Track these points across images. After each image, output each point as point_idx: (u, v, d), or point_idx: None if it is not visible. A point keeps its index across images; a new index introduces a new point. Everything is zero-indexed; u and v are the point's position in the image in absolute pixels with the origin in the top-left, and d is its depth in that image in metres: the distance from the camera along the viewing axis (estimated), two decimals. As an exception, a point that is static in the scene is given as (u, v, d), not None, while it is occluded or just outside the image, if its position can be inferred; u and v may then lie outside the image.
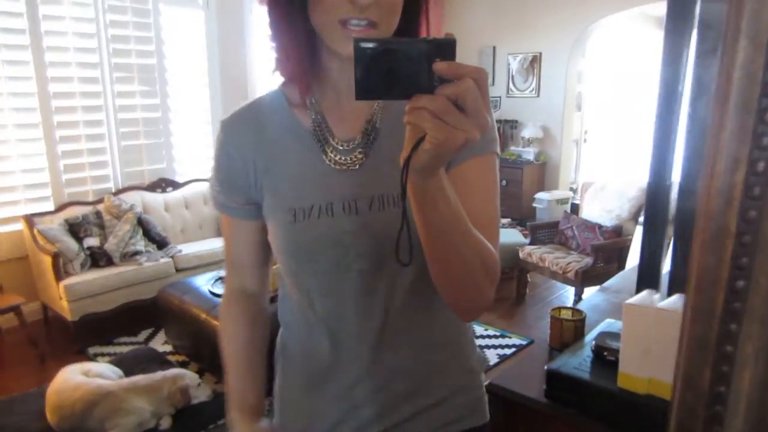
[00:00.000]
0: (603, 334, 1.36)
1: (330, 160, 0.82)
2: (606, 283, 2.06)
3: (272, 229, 0.86)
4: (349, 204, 0.80)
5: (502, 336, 3.67)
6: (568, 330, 1.51)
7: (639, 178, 3.91)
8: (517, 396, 1.33)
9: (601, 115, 7.16)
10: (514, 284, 4.36)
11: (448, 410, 0.92)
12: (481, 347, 3.52)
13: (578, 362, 1.30)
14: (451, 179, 0.68)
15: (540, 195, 5.69)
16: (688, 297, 0.37)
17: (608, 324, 1.45)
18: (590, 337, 1.39)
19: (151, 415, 2.52)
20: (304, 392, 0.94)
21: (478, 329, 3.77)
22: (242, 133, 0.88)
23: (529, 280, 4.37)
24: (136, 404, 2.47)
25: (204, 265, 4.02)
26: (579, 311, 1.56)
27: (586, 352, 1.35)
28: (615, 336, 1.34)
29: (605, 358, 1.29)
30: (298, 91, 0.84)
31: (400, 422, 0.89)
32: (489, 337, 3.68)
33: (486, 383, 1.28)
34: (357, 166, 0.81)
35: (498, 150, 0.82)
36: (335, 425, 0.90)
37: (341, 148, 0.82)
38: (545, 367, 1.29)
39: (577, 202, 5.17)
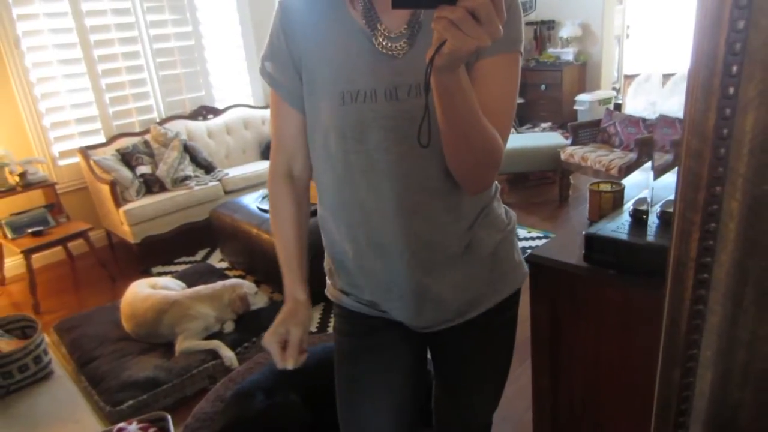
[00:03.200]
0: (642, 200, 1.39)
1: (379, 45, 0.88)
2: (647, 164, 2.05)
3: (320, 110, 0.92)
4: (390, 91, 0.88)
5: (546, 237, 3.71)
6: (607, 201, 1.53)
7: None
8: (558, 263, 1.38)
9: (644, 7, 6.71)
10: (556, 187, 4.35)
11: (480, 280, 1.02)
12: (524, 249, 3.58)
13: (616, 226, 1.34)
14: (476, 71, 0.84)
15: (581, 97, 5.51)
16: (694, 42, 0.40)
17: (648, 193, 1.46)
18: (628, 206, 1.41)
19: (215, 320, 2.72)
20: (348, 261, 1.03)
21: (522, 232, 3.82)
22: (297, 14, 0.93)
23: (572, 182, 4.33)
24: (200, 310, 2.67)
25: (250, 186, 4.15)
26: (618, 183, 1.57)
27: (624, 218, 1.38)
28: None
29: (643, 219, 1.32)
30: None
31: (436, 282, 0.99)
32: (533, 238, 3.73)
33: (526, 255, 1.34)
34: (401, 55, 0.88)
35: (521, 49, 0.90)
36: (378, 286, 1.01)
37: (388, 35, 0.88)
38: (583, 233, 1.33)
39: (620, 101, 5.00)
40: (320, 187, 1.01)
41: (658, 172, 3.43)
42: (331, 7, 0.91)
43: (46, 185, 3.72)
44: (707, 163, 0.42)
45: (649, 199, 1.39)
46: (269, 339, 0.99)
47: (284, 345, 0.98)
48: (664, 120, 3.91)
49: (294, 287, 1.05)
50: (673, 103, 4.04)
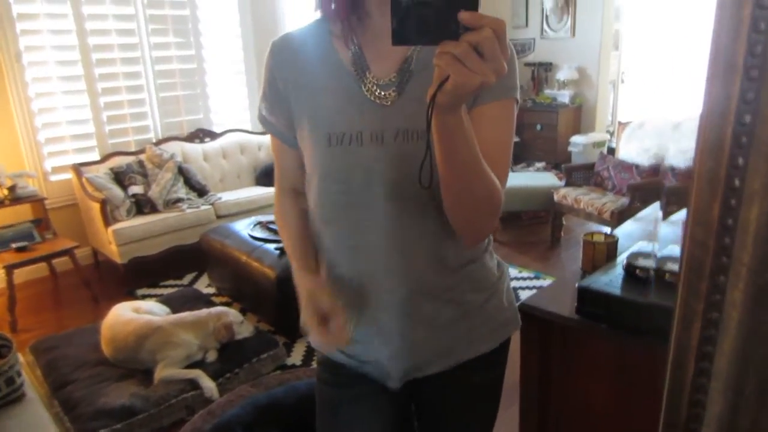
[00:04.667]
0: (635, 254, 1.38)
1: (368, 91, 0.88)
2: (640, 214, 2.06)
3: (308, 151, 0.93)
4: (376, 135, 0.87)
5: (536, 278, 3.70)
6: (600, 253, 1.53)
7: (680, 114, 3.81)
8: (550, 315, 1.37)
9: (639, 54, 6.85)
10: (548, 228, 4.36)
11: (469, 327, 0.99)
12: (516, 288, 3.56)
13: (609, 279, 1.33)
14: (472, 117, 0.82)
15: (576, 138, 5.58)
16: (700, 133, 0.39)
17: (640, 245, 1.46)
18: (622, 258, 1.41)
19: (198, 348, 2.66)
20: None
21: (513, 271, 3.81)
22: (287, 56, 0.94)
23: (564, 223, 4.35)
24: (183, 338, 2.62)
25: (243, 211, 4.13)
26: (611, 236, 1.57)
27: (618, 271, 1.37)
28: (647, 255, 1.36)
29: (636, 275, 1.32)
30: (339, 25, 0.90)
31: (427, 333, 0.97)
32: (523, 278, 3.71)
33: (518, 304, 1.33)
34: (389, 102, 0.88)
35: (518, 97, 0.90)
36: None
37: (377, 82, 0.88)
38: (576, 285, 1.32)
39: (613, 145, 5.07)
40: (311, 223, 1.01)
41: (616, 216, 3.46)
42: (321, 50, 0.92)
43: (36, 200, 3.69)
44: (711, 253, 0.41)
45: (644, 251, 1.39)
46: (308, 320, 0.94)
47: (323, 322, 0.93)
48: (622, 165, 3.97)
49: (309, 265, 1.01)
50: (631, 149, 4.12)
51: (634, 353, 1.26)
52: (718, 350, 0.44)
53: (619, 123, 4.52)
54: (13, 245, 3.35)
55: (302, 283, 0.98)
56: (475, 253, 0.98)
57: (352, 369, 1.02)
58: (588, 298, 1.30)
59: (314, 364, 2.82)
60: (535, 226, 4.62)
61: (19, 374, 1.86)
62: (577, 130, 5.87)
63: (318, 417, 1.08)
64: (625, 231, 1.83)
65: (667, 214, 1.99)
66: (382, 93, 0.88)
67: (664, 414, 0.47)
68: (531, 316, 1.39)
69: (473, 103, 0.85)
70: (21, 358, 2.31)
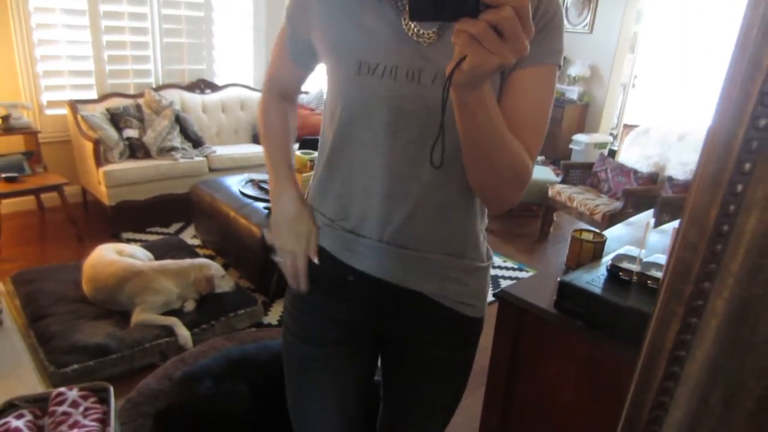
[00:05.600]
0: (621, 256, 1.38)
1: (406, 26, 0.83)
2: (631, 219, 2.06)
3: (334, 79, 0.89)
4: (413, 73, 0.82)
5: (520, 269, 3.72)
6: (587, 251, 1.53)
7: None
8: (529, 305, 1.37)
9: (655, 59, 6.78)
10: (539, 222, 4.37)
11: (453, 287, 0.96)
12: (497, 277, 3.58)
13: (592, 278, 1.33)
14: (512, 81, 0.79)
15: (578, 137, 5.56)
16: (709, 132, 0.38)
17: (627, 249, 1.46)
18: (607, 259, 1.41)
19: (177, 297, 2.67)
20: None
21: (497, 260, 3.82)
22: None
23: (555, 219, 4.36)
24: (164, 285, 2.62)
25: (237, 167, 4.10)
26: (600, 234, 1.57)
27: (601, 271, 1.37)
28: (632, 259, 1.36)
29: (620, 277, 1.32)
30: None
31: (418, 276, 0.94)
32: (507, 268, 3.73)
33: (498, 290, 1.33)
34: (428, 42, 0.82)
35: (561, 63, 0.85)
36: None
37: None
38: (558, 279, 1.33)
39: (615, 148, 5.05)
40: (321, 145, 0.99)
41: (607, 219, 3.47)
42: None
43: (29, 132, 3.63)
44: (701, 258, 0.40)
45: (629, 256, 1.39)
46: (286, 242, 0.97)
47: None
48: (621, 168, 3.97)
49: (288, 183, 1.02)
50: (632, 154, 4.12)
51: (605, 354, 1.27)
52: (691, 356, 0.44)
53: (625, 125, 4.50)
54: (3, 175, 3.31)
55: (285, 202, 0.99)
56: (481, 226, 0.97)
57: (321, 326, 1.01)
58: (568, 293, 1.31)
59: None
60: (526, 219, 4.63)
61: (-3, 302, 1.85)
62: (581, 129, 5.85)
63: (286, 369, 1.09)
64: (614, 234, 1.83)
65: (658, 224, 1.99)
66: (422, 31, 0.82)
67: (626, 412, 0.47)
68: (509, 303, 1.40)
69: (513, 68, 0.80)
70: (1, 286, 2.30)
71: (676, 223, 1.73)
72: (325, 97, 0.98)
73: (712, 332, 0.43)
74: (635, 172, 3.90)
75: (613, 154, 4.87)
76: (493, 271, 3.63)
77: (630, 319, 1.18)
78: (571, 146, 5.61)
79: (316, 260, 0.97)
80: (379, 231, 0.91)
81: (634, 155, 4.09)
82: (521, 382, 1.48)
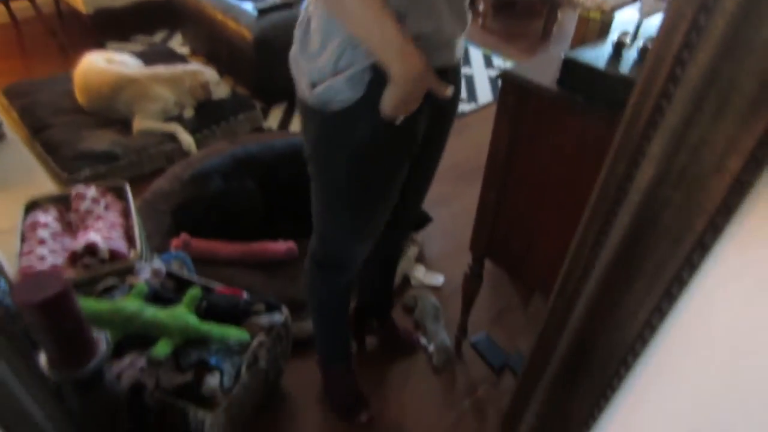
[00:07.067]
0: (626, 32, 1.35)
1: None
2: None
3: None
4: None
5: (520, 69, 3.64)
6: (593, 31, 1.49)
7: None
8: (530, 83, 1.37)
9: None
10: (542, 21, 4.17)
11: None
12: (497, 78, 3.53)
13: (596, 55, 1.32)
14: None
15: None
16: None
17: (633, 24, 1.42)
18: (613, 37, 1.38)
19: (174, 104, 2.65)
20: None
21: (497, 61, 3.73)
22: None
23: (559, 17, 4.15)
24: (159, 92, 2.59)
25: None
26: (609, 13, 1.51)
27: (606, 48, 1.35)
28: (637, 33, 1.33)
29: (622, 52, 1.30)
30: None
31: None
32: (506, 69, 3.65)
33: (501, 71, 1.33)
34: None
35: None
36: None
37: None
38: (562, 54, 1.31)
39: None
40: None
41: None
42: None
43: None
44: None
45: (632, 32, 1.35)
46: (412, 102, 0.97)
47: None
48: None
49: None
50: None
51: (600, 132, 1.30)
52: (693, 59, 0.46)
53: None
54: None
55: (413, 61, 0.88)
56: None
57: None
58: (571, 69, 1.30)
59: (292, 129, 2.87)
60: (528, 18, 4.41)
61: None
62: None
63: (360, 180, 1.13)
64: (623, 17, 1.76)
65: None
66: None
67: (626, 121, 0.50)
68: (511, 83, 1.40)
69: None
70: (-6, 97, 2.27)
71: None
72: None
73: (718, 32, 0.44)
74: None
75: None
76: (492, 72, 3.57)
77: (630, 90, 1.19)
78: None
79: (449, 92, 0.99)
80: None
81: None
82: (518, 162, 1.53)
